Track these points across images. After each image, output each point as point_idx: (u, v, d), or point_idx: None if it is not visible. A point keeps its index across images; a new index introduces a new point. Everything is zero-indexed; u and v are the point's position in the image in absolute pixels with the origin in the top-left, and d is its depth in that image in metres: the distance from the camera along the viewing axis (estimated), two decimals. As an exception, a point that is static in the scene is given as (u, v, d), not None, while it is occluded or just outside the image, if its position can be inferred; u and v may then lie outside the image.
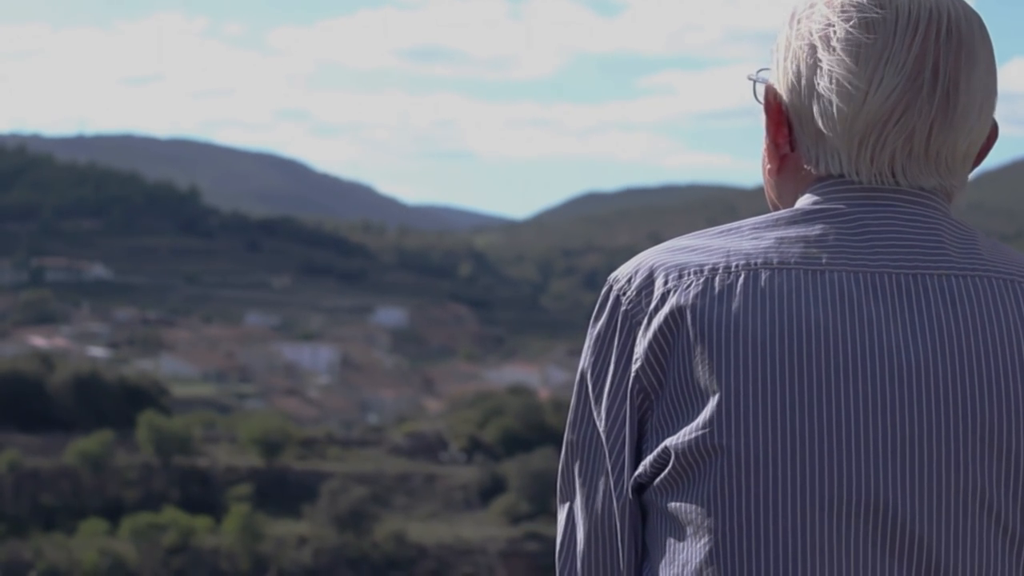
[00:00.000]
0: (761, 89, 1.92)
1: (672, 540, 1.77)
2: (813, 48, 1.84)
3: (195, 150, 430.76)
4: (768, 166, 1.93)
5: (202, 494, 68.65)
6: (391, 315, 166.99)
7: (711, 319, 1.75)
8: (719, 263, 1.79)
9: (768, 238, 1.80)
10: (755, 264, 1.78)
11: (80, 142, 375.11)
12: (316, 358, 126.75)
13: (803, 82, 1.84)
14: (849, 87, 1.80)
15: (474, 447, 76.61)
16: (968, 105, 1.81)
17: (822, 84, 1.82)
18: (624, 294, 1.82)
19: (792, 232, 1.81)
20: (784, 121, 1.88)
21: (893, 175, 1.82)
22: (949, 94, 1.80)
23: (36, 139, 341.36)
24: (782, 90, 1.88)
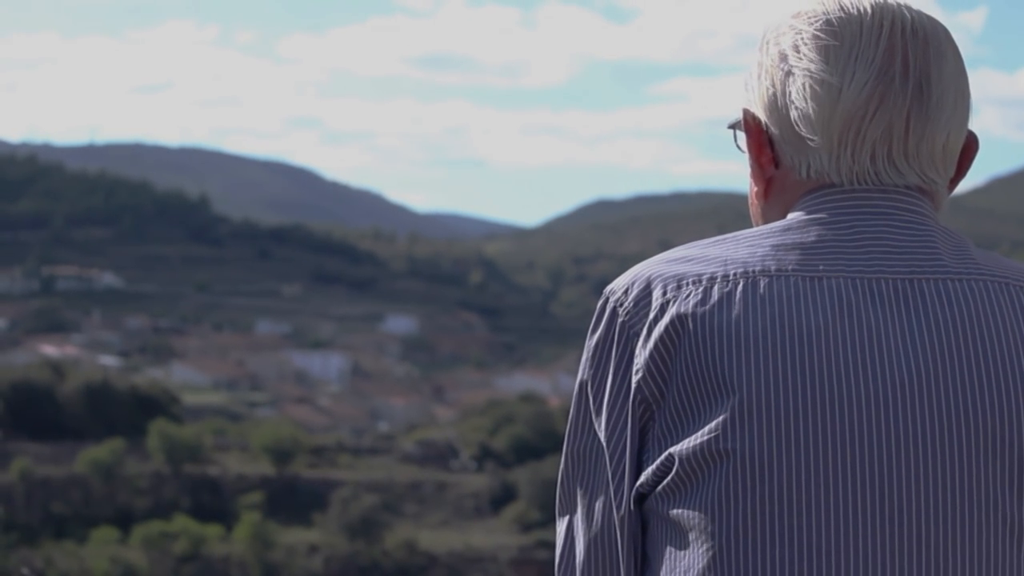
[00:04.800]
0: (742, 139, 1.94)
1: (673, 547, 1.78)
2: (784, 58, 1.87)
3: (205, 158, 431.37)
4: (755, 189, 1.94)
5: (213, 502, 68.69)
6: (401, 323, 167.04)
7: (712, 327, 1.76)
8: (717, 272, 1.80)
9: (764, 246, 1.82)
10: (753, 272, 1.79)
11: (91, 151, 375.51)
12: (326, 366, 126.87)
13: (778, 94, 1.87)
14: (822, 87, 1.83)
15: (485, 455, 76.59)
16: (942, 96, 1.84)
17: (796, 90, 1.85)
18: (621, 305, 1.83)
19: (788, 240, 1.82)
20: (765, 141, 1.90)
21: (876, 173, 1.84)
22: (922, 85, 1.83)
23: (47, 148, 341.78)
24: (759, 110, 1.90)
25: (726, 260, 1.81)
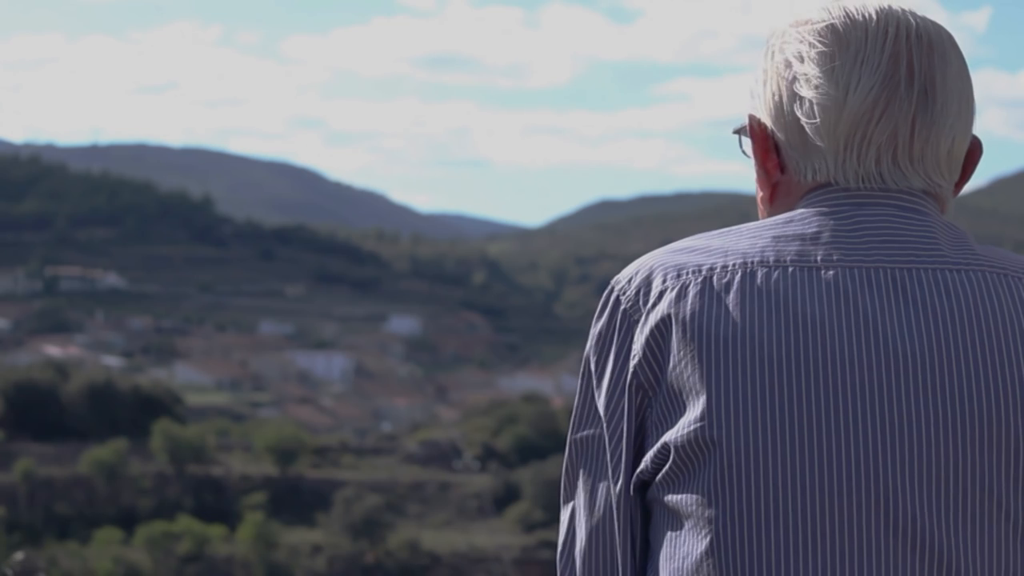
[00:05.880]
0: (748, 144, 1.97)
1: (673, 534, 1.80)
2: (789, 65, 1.89)
3: (209, 159, 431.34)
4: (761, 194, 1.97)
5: (216, 502, 68.69)
6: (404, 323, 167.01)
7: (707, 317, 1.79)
8: (716, 263, 1.83)
9: (765, 237, 1.85)
10: (752, 263, 1.82)
11: (94, 151, 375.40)
12: (330, 366, 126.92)
13: (784, 100, 1.89)
14: (828, 93, 1.85)
15: (488, 455, 76.59)
16: (946, 102, 1.86)
17: (802, 95, 1.87)
18: (624, 294, 1.87)
19: (789, 231, 1.85)
20: (771, 147, 1.92)
21: (881, 176, 1.86)
22: (927, 90, 1.85)
23: (50, 148, 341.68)
24: (765, 116, 1.92)
25: (727, 251, 1.84)
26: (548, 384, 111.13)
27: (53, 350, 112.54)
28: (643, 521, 1.87)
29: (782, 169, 1.93)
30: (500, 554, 63.95)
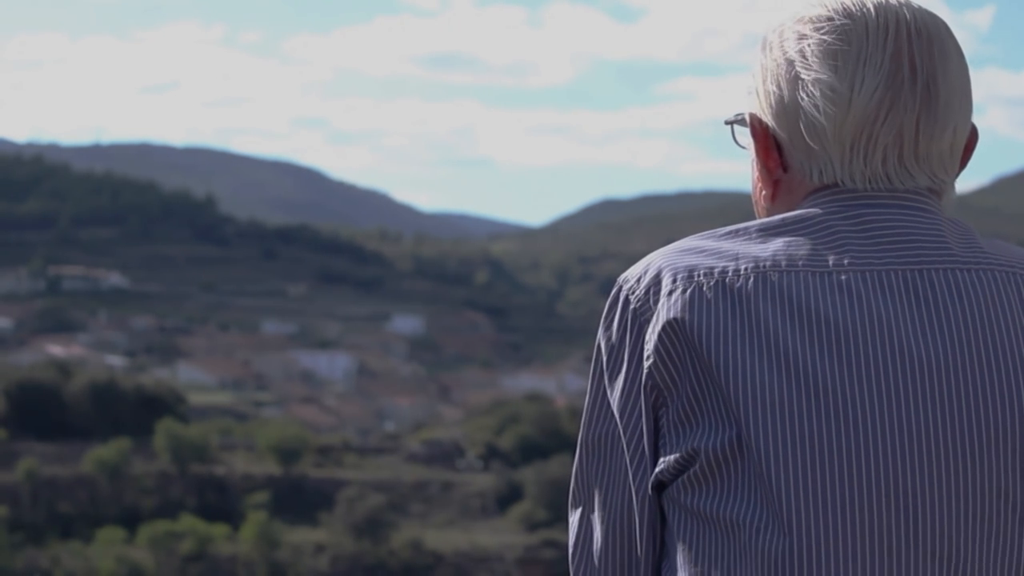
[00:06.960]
0: (743, 132, 1.96)
1: (695, 538, 1.79)
2: (791, 64, 1.87)
3: (212, 158, 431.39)
4: (763, 192, 1.95)
5: (219, 502, 68.74)
6: (407, 323, 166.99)
7: (727, 321, 1.78)
8: (728, 266, 1.81)
9: (776, 241, 1.83)
10: (764, 267, 1.80)
11: (97, 151, 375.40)
12: (332, 366, 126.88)
13: (786, 100, 1.87)
14: (832, 94, 1.83)
15: (491, 454, 76.62)
16: (949, 97, 1.85)
17: (805, 97, 1.85)
18: (633, 293, 1.85)
19: (799, 235, 1.83)
20: (772, 145, 1.90)
21: (887, 177, 1.85)
22: (929, 87, 1.84)
23: (53, 148, 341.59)
24: (766, 114, 1.90)
25: (738, 254, 1.82)
26: (551, 384, 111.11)
27: (56, 349, 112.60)
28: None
29: (784, 168, 1.91)
30: (503, 553, 63.94)
